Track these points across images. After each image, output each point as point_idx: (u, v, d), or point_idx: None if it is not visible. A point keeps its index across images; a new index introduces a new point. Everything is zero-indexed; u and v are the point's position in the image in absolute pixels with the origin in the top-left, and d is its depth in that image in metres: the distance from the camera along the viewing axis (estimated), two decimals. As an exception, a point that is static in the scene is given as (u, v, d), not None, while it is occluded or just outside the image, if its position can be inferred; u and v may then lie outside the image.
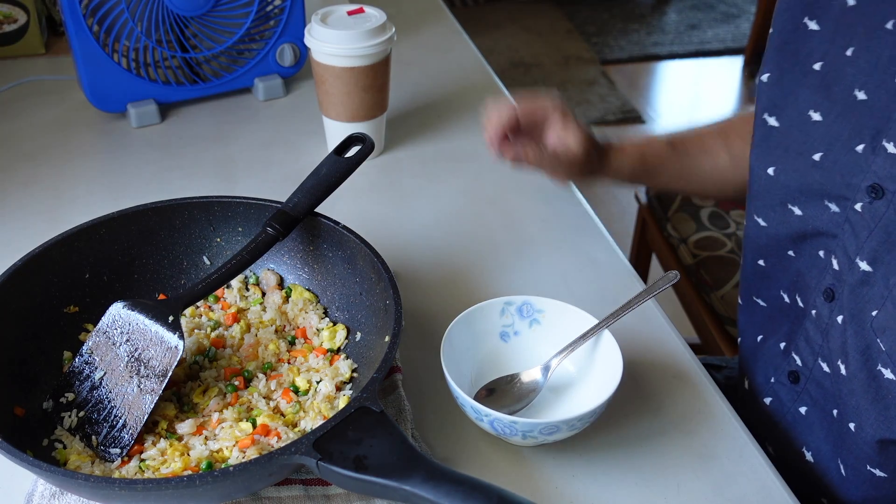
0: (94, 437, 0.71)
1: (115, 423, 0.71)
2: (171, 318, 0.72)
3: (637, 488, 0.73)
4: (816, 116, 0.78)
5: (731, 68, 3.67)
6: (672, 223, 1.69)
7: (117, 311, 0.74)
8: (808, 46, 0.80)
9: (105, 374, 0.73)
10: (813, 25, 0.80)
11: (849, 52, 0.76)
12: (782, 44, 0.82)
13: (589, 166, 0.95)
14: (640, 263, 1.88)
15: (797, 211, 0.81)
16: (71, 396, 0.73)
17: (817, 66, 0.79)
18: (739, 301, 0.96)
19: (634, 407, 0.80)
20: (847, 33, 0.76)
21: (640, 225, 1.87)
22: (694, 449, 0.76)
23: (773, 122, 0.83)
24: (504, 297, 0.81)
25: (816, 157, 0.78)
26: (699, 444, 0.77)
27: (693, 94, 3.55)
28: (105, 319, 0.74)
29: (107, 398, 0.72)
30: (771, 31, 0.85)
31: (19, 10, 1.34)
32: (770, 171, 0.83)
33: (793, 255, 0.84)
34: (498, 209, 1.07)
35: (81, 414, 0.72)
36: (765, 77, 0.84)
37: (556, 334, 0.80)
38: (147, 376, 0.71)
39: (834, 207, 0.77)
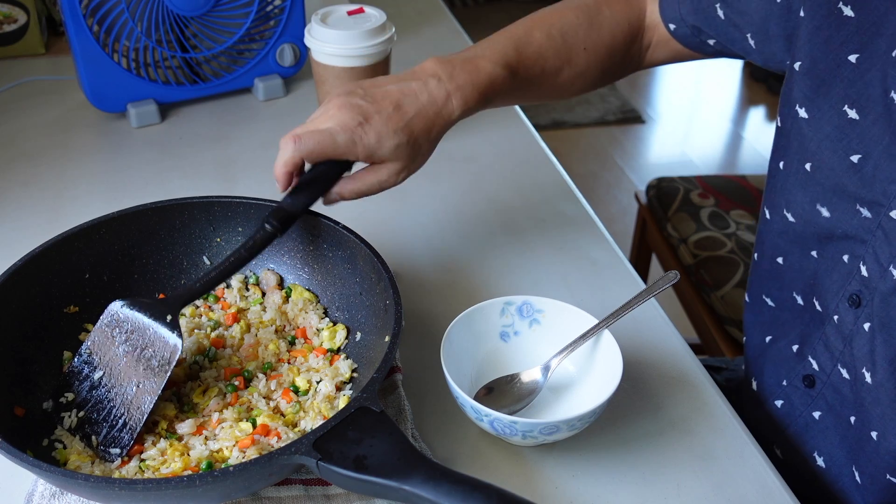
0: (94, 437, 0.71)
1: (114, 422, 0.71)
2: (169, 318, 0.72)
3: (637, 488, 0.73)
4: (853, 114, 0.75)
5: (731, 68, 3.67)
6: (672, 223, 1.69)
7: (116, 310, 0.74)
8: (842, 34, 0.75)
9: (104, 373, 0.73)
10: (847, 11, 0.75)
11: (894, 53, 0.72)
12: (814, 29, 0.77)
13: (421, 154, 0.83)
14: (640, 263, 1.88)
15: (825, 212, 0.78)
16: (71, 396, 0.73)
17: (853, 59, 0.75)
18: (746, 299, 0.95)
19: (634, 407, 0.80)
20: (892, 30, 0.72)
21: (640, 225, 1.87)
22: (694, 449, 0.76)
23: (802, 113, 0.79)
24: (504, 297, 0.81)
25: (854, 159, 0.75)
26: (699, 444, 0.77)
27: (693, 94, 3.55)
28: (104, 318, 0.74)
29: (106, 398, 0.72)
30: (801, 14, 0.80)
31: (19, 10, 1.34)
32: (807, 167, 0.80)
33: (815, 256, 0.82)
34: (498, 209, 1.07)
35: (81, 414, 0.72)
36: (797, 65, 0.80)
37: (556, 334, 0.80)
38: (146, 376, 0.71)
39: (865, 212, 0.75)
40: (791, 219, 0.84)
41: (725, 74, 3.65)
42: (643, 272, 1.88)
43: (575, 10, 0.93)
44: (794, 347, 0.86)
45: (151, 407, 0.71)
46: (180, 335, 0.71)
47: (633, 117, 3.26)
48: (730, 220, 1.67)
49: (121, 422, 0.71)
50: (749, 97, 3.50)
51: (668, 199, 1.74)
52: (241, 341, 0.81)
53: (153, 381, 0.71)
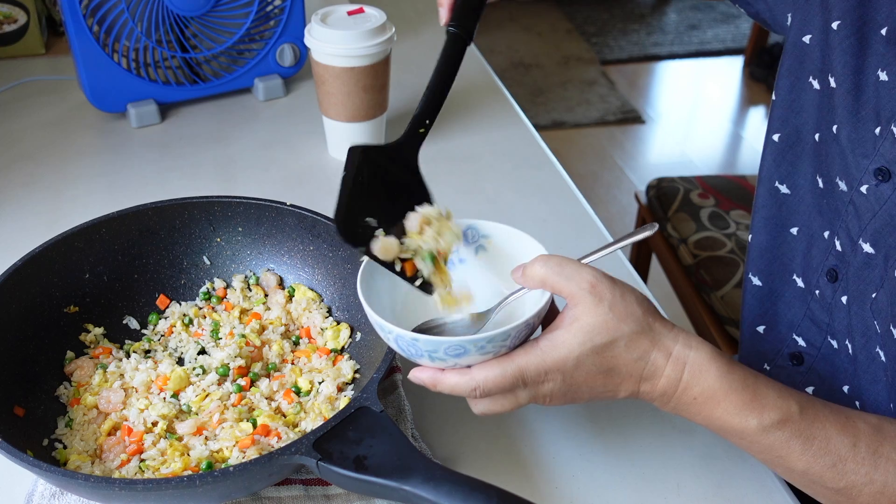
0: None
1: None
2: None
3: (637, 488, 0.73)
4: (832, 82, 0.76)
5: (731, 68, 3.67)
6: (672, 223, 1.69)
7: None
8: (827, 1, 0.76)
9: None
10: None
11: (884, 31, 0.72)
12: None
13: None
14: (640, 263, 1.88)
15: (820, 183, 0.79)
16: None
17: (835, 26, 0.75)
18: (744, 281, 0.94)
19: (635, 407, 0.80)
20: (883, 7, 0.73)
21: (640, 225, 1.87)
22: (694, 449, 0.76)
23: (816, 84, 0.80)
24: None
25: (834, 129, 0.76)
26: (699, 444, 0.77)
27: (693, 94, 3.55)
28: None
29: None
30: None
31: (19, 10, 1.34)
32: (816, 137, 0.80)
33: (795, 233, 0.83)
34: (498, 209, 1.07)
35: None
36: (806, 38, 0.80)
37: (504, 262, 0.73)
38: None
39: (842, 186, 0.76)
40: (785, 190, 0.84)
41: (725, 74, 3.65)
42: (643, 272, 1.88)
43: None
44: (781, 328, 0.86)
45: None
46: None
47: (633, 117, 3.26)
48: (730, 220, 1.67)
49: None
50: (749, 97, 3.50)
51: (668, 199, 1.74)
52: (248, 342, 0.81)
53: None
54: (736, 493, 0.73)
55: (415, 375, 0.66)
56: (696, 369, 0.63)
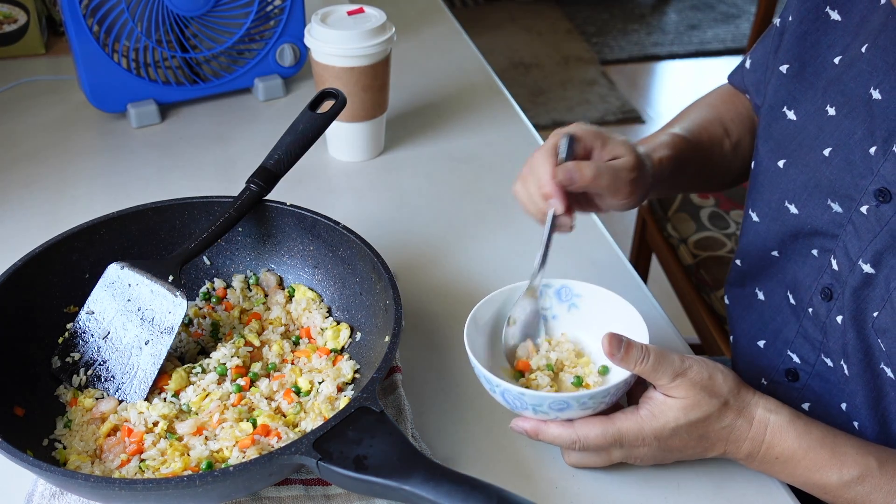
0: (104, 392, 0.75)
1: (123, 380, 0.74)
2: (170, 278, 0.75)
3: (637, 488, 0.73)
4: (832, 111, 0.77)
5: (730, 69, 3.67)
6: (672, 223, 1.69)
7: (115, 273, 0.76)
8: (829, 38, 0.78)
9: (110, 332, 0.75)
10: (835, 15, 0.78)
11: (863, 49, 0.74)
12: (802, 34, 0.80)
13: (644, 178, 0.80)
14: (640, 263, 1.88)
15: (793, 209, 0.80)
16: (77, 356, 0.76)
17: (836, 60, 0.77)
18: (726, 300, 0.96)
19: (634, 407, 0.80)
20: (868, 28, 0.75)
21: (640, 225, 1.87)
22: (694, 449, 0.76)
23: (791, 115, 0.81)
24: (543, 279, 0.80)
25: (826, 152, 0.77)
26: (699, 444, 0.77)
27: (693, 94, 3.54)
28: (104, 280, 0.76)
29: (113, 357, 0.75)
30: (787, 18, 0.83)
31: (19, 10, 1.34)
32: (780, 163, 0.81)
33: (777, 255, 0.84)
34: (498, 209, 1.07)
35: (90, 373, 0.75)
36: (783, 68, 0.82)
37: (595, 319, 0.78)
38: (152, 333, 0.74)
39: (836, 207, 0.76)
40: (755, 218, 0.85)
41: (725, 74, 3.65)
42: (643, 272, 1.88)
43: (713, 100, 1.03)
44: (775, 344, 0.87)
45: (161, 363, 0.73)
46: (184, 294, 0.74)
47: (633, 117, 3.26)
48: (730, 220, 1.67)
49: (131, 379, 0.74)
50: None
51: (667, 199, 1.74)
52: (247, 342, 0.81)
53: (160, 339, 0.74)
54: (736, 493, 0.73)
55: (517, 425, 0.71)
56: (777, 431, 0.68)
